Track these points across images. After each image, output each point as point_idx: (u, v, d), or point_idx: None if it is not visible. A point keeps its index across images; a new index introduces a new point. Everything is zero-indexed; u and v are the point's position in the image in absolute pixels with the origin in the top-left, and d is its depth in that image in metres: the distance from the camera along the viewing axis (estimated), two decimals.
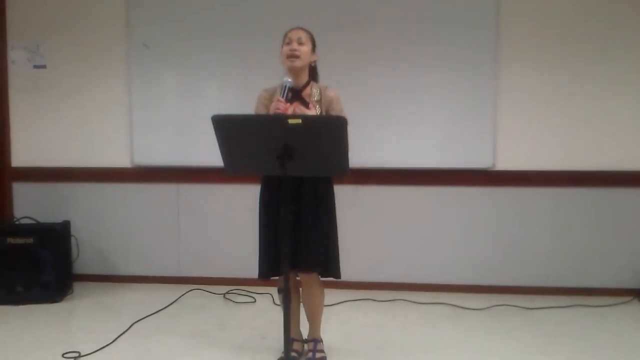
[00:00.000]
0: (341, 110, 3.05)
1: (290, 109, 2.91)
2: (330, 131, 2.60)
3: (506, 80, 4.26)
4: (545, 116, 4.28)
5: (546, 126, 4.29)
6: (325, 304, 3.27)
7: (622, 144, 4.25)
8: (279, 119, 2.71)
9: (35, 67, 4.65)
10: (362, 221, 4.41)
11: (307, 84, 3.07)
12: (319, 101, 3.04)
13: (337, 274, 3.13)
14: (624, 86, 4.22)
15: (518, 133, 4.30)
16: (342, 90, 3.13)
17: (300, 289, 3.21)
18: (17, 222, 4.47)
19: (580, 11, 4.21)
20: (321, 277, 3.15)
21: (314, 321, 3.26)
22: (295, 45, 2.99)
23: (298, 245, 2.93)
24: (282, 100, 2.88)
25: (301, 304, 3.25)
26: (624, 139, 4.25)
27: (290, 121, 2.55)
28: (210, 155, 3.85)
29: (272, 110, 2.93)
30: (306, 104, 3.02)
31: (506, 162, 4.32)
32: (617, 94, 4.23)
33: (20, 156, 4.72)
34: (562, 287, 4.34)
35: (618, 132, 4.25)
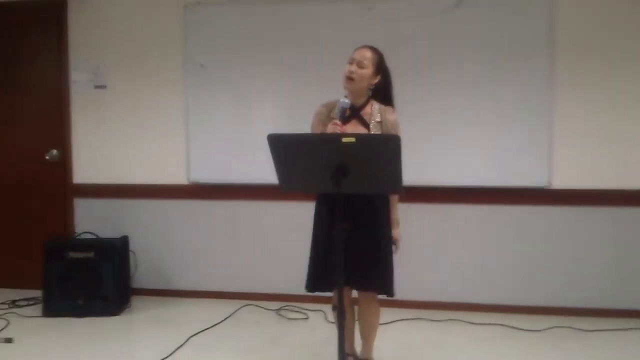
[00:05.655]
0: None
1: (346, 129, 2.93)
2: (384, 149, 2.58)
3: (562, 96, 4.19)
4: (603, 133, 4.19)
5: (603, 143, 4.20)
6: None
7: None
8: (333, 139, 2.72)
9: (96, 87, 4.81)
10: (415, 240, 4.34)
11: (367, 102, 3.08)
12: (380, 122, 3.03)
13: (391, 292, 3.10)
14: None
15: (575, 150, 4.22)
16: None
17: (356, 306, 3.21)
18: (78, 237, 4.62)
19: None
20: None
21: (368, 340, 3.25)
22: (354, 68, 3.00)
23: (354, 263, 2.90)
24: (338, 123, 2.90)
25: (356, 321, 3.25)
26: None
27: (344, 140, 2.56)
28: (264, 172, 3.90)
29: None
30: (366, 124, 3.03)
31: (563, 181, 4.23)
32: None
33: (81, 173, 4.88)
34: (622, 309, 4.21)
35: None
